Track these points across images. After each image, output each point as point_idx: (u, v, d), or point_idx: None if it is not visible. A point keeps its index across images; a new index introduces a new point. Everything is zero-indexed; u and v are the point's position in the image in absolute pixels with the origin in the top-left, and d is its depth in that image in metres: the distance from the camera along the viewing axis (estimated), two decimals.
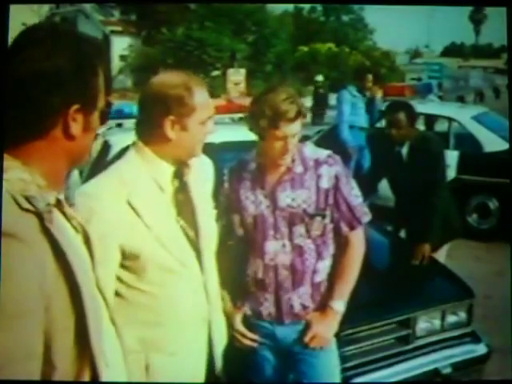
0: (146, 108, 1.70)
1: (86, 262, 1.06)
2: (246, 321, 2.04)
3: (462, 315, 2.73)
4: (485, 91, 22.69)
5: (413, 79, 25.92)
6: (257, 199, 1.99)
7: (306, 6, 30.28)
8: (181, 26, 22.97)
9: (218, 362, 1.84)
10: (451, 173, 5.49)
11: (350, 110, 6.14)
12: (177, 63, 20.44)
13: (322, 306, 2.01)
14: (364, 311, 2.43)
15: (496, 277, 4.51)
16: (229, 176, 2.06)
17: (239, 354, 1.99)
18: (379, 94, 7.26)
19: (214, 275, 1.84)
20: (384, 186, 3.92)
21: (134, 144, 1.75)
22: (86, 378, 1.02)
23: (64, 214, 1.04)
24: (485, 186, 6.02)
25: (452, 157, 5.84)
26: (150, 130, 1.69)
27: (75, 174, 4.15)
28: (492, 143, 6.11)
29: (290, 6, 27.83)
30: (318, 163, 1.98)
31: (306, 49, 26.43)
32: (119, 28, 24.17)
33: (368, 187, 3.23)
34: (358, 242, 2.04)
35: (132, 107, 8.60)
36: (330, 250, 2.03)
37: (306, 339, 1.99)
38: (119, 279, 1.68)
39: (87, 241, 1.10)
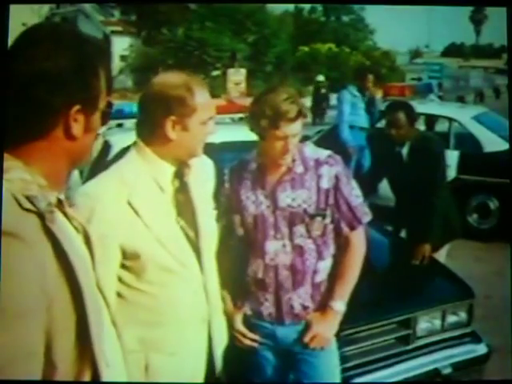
0: (147, 108, 1.70)
1: (87, 262, 1.06)
2: (247, 321, 2.04)
3: (463, 315, 2.73)
4: (485, 91, 22.69)
5: (413, 79, 25.93)
6: (257, 199, 1.99)
7: (307, 6, 30.27)
8: (181, 26, 22.98)
9: (218, 362, 1.84)
10: (451, 173, 5.49)
11: (351, 110, 6.14)
12: (177, 63, 20.44)
13: (323, 306, 2.01)
14: (364, 311, 2.43)
15: (496, 277, 4.51)
16: (229, 176, 2.06)
17: (239, 354, 1.99)
18: (379, 94, 7.26)
19: (214, 276, 1.84)
20: (384, 186, 3.92)
21: (134, 144, 1.75)
22: (87, 378, 1.02)
23: (65, 214, 1.04)
24: (485, 185, 6.02)
25: (452, 157, 5.84)
26: (150, 130, 1.69)
27: (75, 174, 4.14)
28: (492, 143, 6.12)
29: (291, 6, 27.84)
30: (318, 163, 1.98)
31: (306, 49, 26.41)
32: (119, 28, 24.15)
33: (368, 187, 3.24)
34: (358, 242, 2.04)
35: (132, 107, 8.58)
36: (330, 250, 2.03)
37: (307, 339, 1.99)
38: (119, 279, 1.68)
39: (88, 241, 1.10)
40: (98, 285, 1.10)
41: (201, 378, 1.80)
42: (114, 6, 24.42)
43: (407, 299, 2.74)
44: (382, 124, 4.75)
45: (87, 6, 23.53)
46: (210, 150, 1.88)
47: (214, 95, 2.69)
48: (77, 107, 0.99)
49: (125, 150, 1.84)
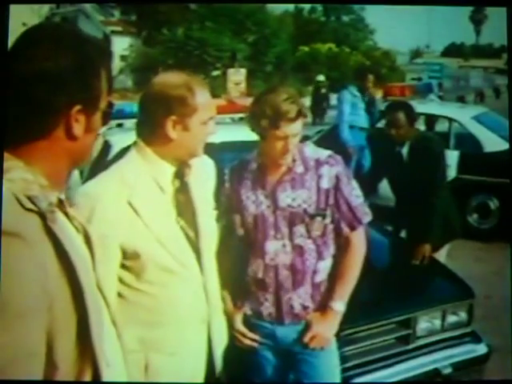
0: (148, 108, 1.70)
1: (88, 262, 1.06)
2: (247, 321, 2.04)
3: (463, 315, 2.73)
4: (485, 91, 22.69)
5: (413, 79, 25.95)
6: (257, 199, 1.99)
7: (307, 6, 30.25)
8: (181, 26, 22.97)
9: (218, 362, 1.84)
10: (451, 173, 5.49)
11: (351, 110, 6.14)
12: (177, 63, 20.43)
13: (323, 307, 2.01)
14: (364, 311, 2.43)
15: (496, 277, 4.51)
16: (230, 176, 2.07)
17: (239, 354, 1.99)
18: (379, 94, 7.27)
19: (214, 276, 1.84)
20: (384, 186, 3.92)
21: (134, 144, 1.75)
22: (87, 377, 1.02)
23: (65, 214, 1.04)
24: (485, 185, 6.02)
25: (452, 157, 5.84)
26: (151, 130, 1.69)
27: (75, 174, 4.14)
28: (492, 143, 6.12)
29: (291, 6, 27.83)
30: (318, 163, 1.98)
31: (306, 49, 26.40)
32: (119, 28, 24.14)
33: (368, 187, 3.24)
34: (358, 242, 2.04)
35: (132, 107, 8.58)
36: (330, 250, 2.03)
37: (306, 339, 1.99)
38: (119, 279, 1.68)
39: (88, 241, 1.10)
40: (98, 285, 1.10)
41: (201, 378, 1.80)
42: (113, 6, 24.42)
43: (407, 299, 2.73)
44: (382, 124, 4.76)
45: (87, 6, 23.52)
46: (211, 149, 1.88)
47: (214, 95, 2.69)
48: (78, 107, 0.99)
49: (125, 150, 1.84)
